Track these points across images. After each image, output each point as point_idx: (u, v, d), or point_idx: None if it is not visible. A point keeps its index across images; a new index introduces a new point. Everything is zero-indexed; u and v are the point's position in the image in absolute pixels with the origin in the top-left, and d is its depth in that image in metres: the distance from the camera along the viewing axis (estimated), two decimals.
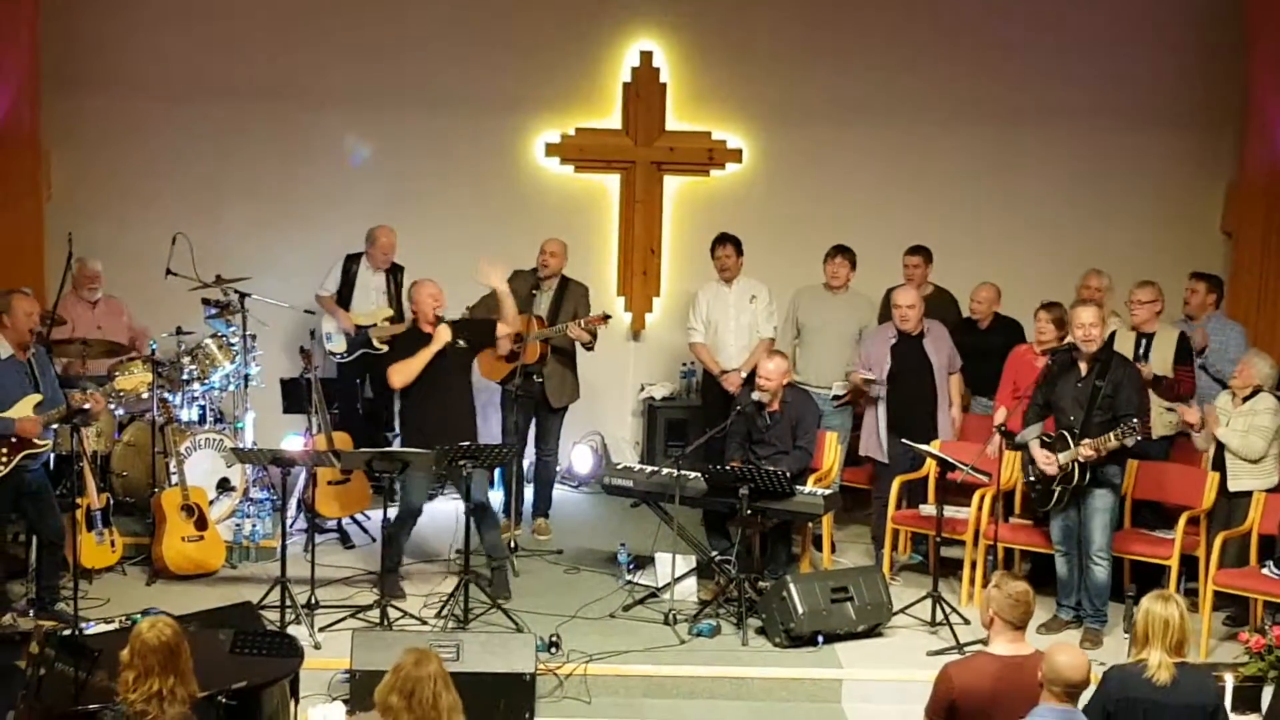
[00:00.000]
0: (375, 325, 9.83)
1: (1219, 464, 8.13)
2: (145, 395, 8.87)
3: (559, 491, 10.06)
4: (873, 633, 7.93)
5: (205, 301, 9.60)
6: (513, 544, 8.88)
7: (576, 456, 10.58)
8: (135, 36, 10.49)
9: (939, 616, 7.96)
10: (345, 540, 9.23)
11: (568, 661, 7.38)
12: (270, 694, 6.00)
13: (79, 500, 8.17)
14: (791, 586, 7.73)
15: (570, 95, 10.87)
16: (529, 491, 9.76)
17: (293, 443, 9.02)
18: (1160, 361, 8.54)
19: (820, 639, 7.74)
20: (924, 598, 8.12)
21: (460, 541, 8.03)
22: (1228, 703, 5.73)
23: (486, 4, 10.77)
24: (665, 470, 8.53)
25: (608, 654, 7.50)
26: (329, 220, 10.32)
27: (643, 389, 11.01)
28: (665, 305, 11.09)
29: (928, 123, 10.89)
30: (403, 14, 10.68)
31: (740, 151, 10.97)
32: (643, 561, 8.65)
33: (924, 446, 8.43)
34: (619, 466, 9.11)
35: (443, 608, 7.97)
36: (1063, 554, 8.06)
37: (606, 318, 9.42)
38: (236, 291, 9.48)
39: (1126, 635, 6.61)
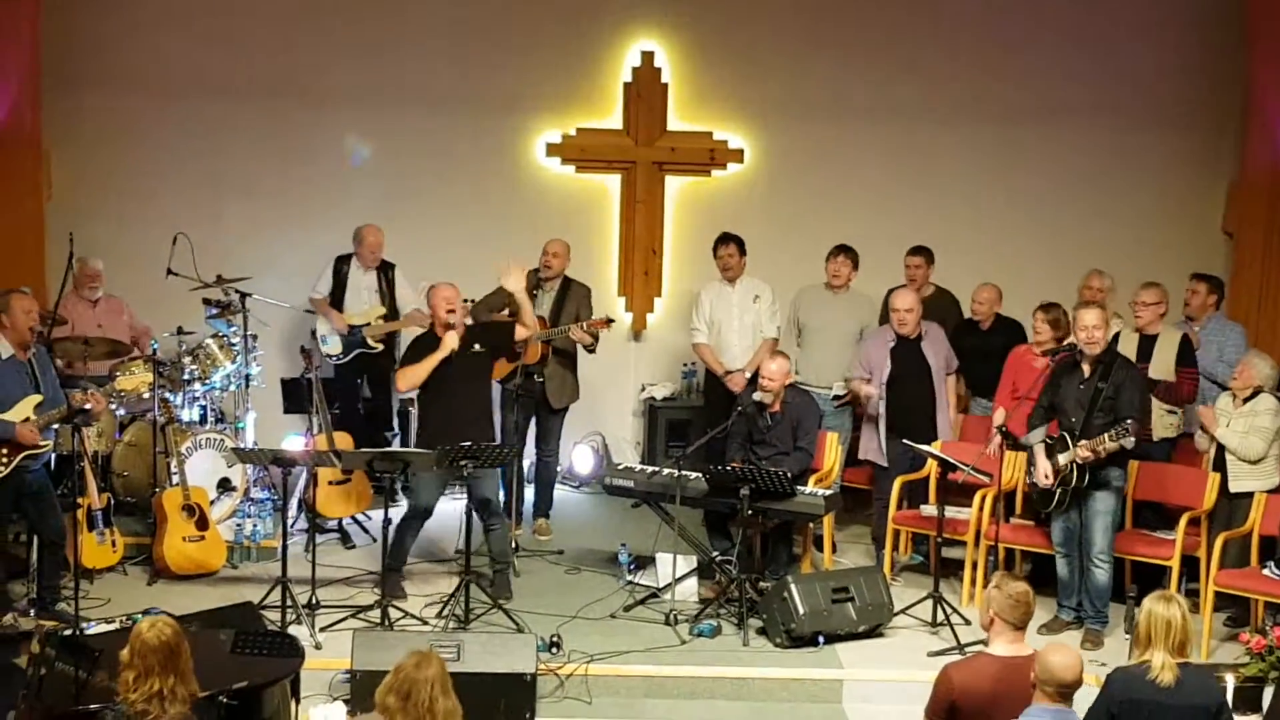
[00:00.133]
0: (369, 324, 9.83)
1: (1220, 465, 8.13)
2: (146, 395, 8.87)
3: (560, 492, 10.06)
4: (874, 633, 7.93)
5: (206, 301, 9.60)
6: (514, 544, 8.87)
7: (577, 457, 10.57)
8: (136, 36, 10.49)
9: (940, 617, 7.96)
10: (346, 540, 9.23)
11: (568, 662, 7.38)
12: (271, 694, 6.00)
13: (80, 500, 8.16)
14: (792, 587, 7.73)
15: (571, 95, 10.87)
16: (530, 492, 9.76)
17: (293, 443, 9.01)
18: (1163, 362, 8.53)
19: (821, 639, 7.73)
20: (925, 598, 8.11)
21: (463, 542, 8.04)
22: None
23: (487, 3, 10.77)
24: (666, 470, 8.53)
25: (609, 654, 7.50)
26: (330, 220, 10.32)
27: (644, 389, 11.01)
28: (666, 305, 11.09)
29: (929, 122, 10.89)
30: (403, 13, 10.68)
31: (742, 152, 10.97)
32: (643, 562, 8.64)
33: (925, 447, 8.43)
34: (620, 467, 9.10)
35: (444, 608, 7.97)
36: (1063, 555, 8.06)
37: (610, 321, 9.42)
38: (237, 291, 9.48)
39: (1127, 636, 6.61)
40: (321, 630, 7.66)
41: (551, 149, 10.88)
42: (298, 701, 6.38)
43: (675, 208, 11.04)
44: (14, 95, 9.86)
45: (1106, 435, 7.64)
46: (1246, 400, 8.07)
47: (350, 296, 9.88)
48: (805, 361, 9.53)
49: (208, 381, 9.39)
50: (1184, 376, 8.52)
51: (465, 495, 8.02)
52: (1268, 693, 6.99)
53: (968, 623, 7.86)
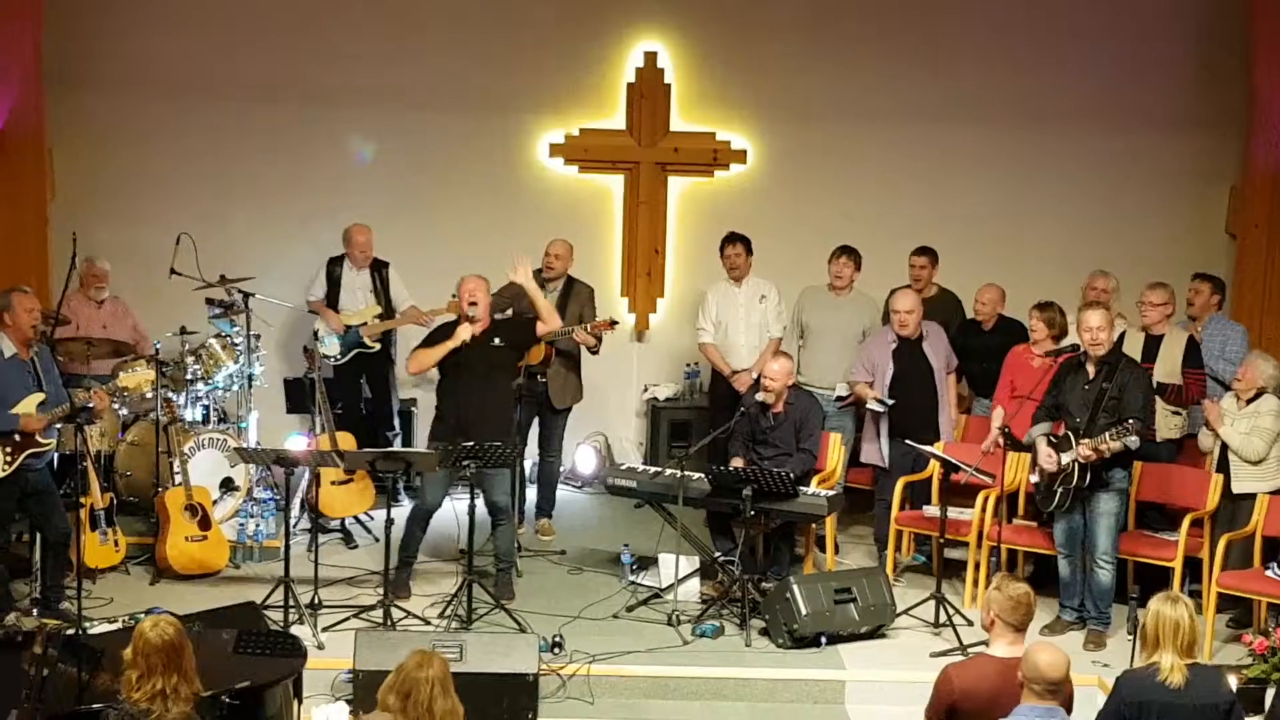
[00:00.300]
0: (365, 324, 9.83)
1: (1223, 466, 8.13)
2: (149, 395, 8.88)
3: (562, 492, 10.06)
4: (876, 634, 7.93)
5: (209, 301, 9.61)
6: (516, 544, 8.87)
7: (580, 457, 10.57)
8: (139, 36, 10.50)
9: (942, 618, 7.96)
10: (348, 540, 9.23)
11: (571, 662, 7.38)
12: (273, 694, 6.00)
13: (83, 500, 8.17)
14: (795, 587, 7.73)
15: (574, 96, 10.87)
16: (532, 492, 9.76)
17: (296, 442, 9.02)
18: (1169, 363, 8.52)
19: (823, 640, 7.73)
20: (927, 599, 8.11)
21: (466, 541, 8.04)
22: None
23: (490, 4, 10.77)
24: (669, 471, 8.53)
25: (611, 655, 7.50)
26: (333, 220, 10.30)
27: (646, 390, 11.00)
28: (669, 306, 11.09)
29: (932, 123, 10.88)
30: (407, 14, 10.68)
31: (745, 152, 10.97)
32: (646, 562, 8.65)
33: (928, 448, 8.43)
34: (622, 467, 9.11)
35: (446, 608, 7.97)
36: (1065, 556, 8.05)
37: (613, 323, 9.42)
38: (240, 291, 9.49)
39: (1130, 637, 6.60)
40: (324, 630, 7.66)
41: (554, 149, 10.88)
42: (300, 701, 6.38)
43: (678, 208, 11.04)
44: (17, 95, 9.85)
45: (1108, 434, 7.63)
46: (1250, 401, 8.06)
47: (345, 297, 9.88)
48: (808, 362, 9.53)
49: (210, 381, 9.40)
50: (1191, 378, 8.51)
51: (470, 494, 8.01)
52: (1270, 694, 6.98)
53: (970, 624, 7.85)
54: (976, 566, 8.47)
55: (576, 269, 9.56)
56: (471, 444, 7.78)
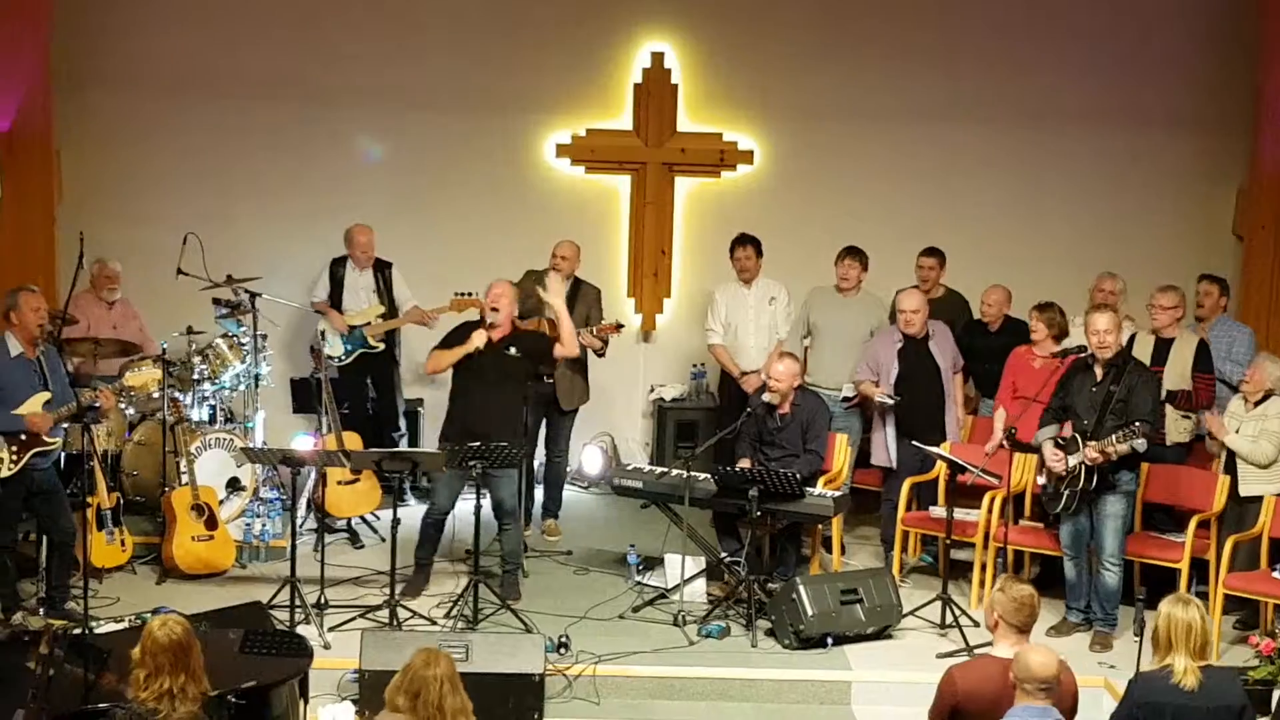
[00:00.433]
0: (369, 324, 9.83)
1: (1230, 468, 8.11)
2: (156, 394, 8.88)
3: (569, 492, 10.06)
4: (882, 635, 7.93)
5: (216, 301, 9.61)
6: (522, 545, 8.87)
7: (586, 457, 10.57)
8: (146, 36, 10.51)
9: (948, 619, 7.96)
10: (355, 540, 9.24)
11: (576, 662, 7.39)
12: (279, 693, 6.01)
13: (89, 499, 8.18)
14: (801, 588, 7.73)
15: (581, 96, 10.87)
16: (539, 492, 9.75)
17: (302, 442, 9.02)
18: (1179, 367, 8.50)
19: (829, 641, 7.73)
20: (933, 600, 8.11)
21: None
22: None
23: (497, 4, 10.77)
24: (675, 471, 8.52)
25: (617, 655, 7.50)
26: (340, 219, 10.29)
27: (653, 390, 11.00)
28: (676, 306, 11.08)
29: (939, 124, 10.87)
30: (413, 13, 10.69)
31: (752, 153, 10.96)
32: (652, 563, 8.65)
33: (935, 449, 8.42)
34: (629, 467, 9.10)
35: (452, 608, 7.98)
36: (1071, 558, 8.04)
37: (619, 326, 9.43)
38: (247, 291, 9.48)
39: (1136, 639, 6.59)
40: (330, 630, 7.67)
41: (561, 150, 10.88)
42: (306, 701, 6.38)
43: (685, 209, 11.04)
44: (24, 96, 9.87)
45: (1115, 436, 7.62)
46: (1258, 403, 8.04)
47: (348, 297, 9.88)
48: (815, 363, 9.51)
49: (217, 381, 9.40)
50: (1200, 382, 8.48)
51: (476, 495, 8.01)
52: (1276, 695, 6.97)
53: (976, 625, 7.85)
54: (983, 567, 8.46)
55: (583, 270, 9.56)
56: (478, 444, 7.79)
